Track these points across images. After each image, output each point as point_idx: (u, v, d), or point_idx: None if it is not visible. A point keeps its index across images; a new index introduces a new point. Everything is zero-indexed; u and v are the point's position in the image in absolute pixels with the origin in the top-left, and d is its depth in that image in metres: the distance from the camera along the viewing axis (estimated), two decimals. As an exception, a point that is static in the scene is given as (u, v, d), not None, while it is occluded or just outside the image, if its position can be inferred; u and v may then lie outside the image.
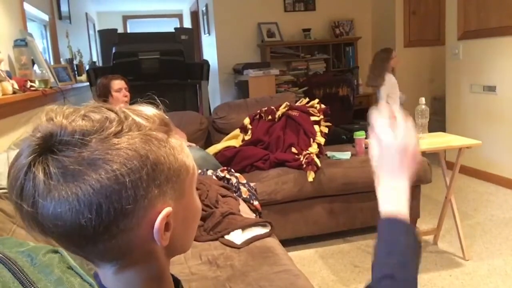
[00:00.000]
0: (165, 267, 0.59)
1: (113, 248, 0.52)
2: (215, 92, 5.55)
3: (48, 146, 0.49)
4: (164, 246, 0.55)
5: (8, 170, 0.51)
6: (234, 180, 2.59)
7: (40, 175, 0.48)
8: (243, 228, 1.97)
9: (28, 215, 0.50)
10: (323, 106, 3.09)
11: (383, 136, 0.70)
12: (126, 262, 0.54)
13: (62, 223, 0.48)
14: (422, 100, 2.49)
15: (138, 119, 0.53)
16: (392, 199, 0.68)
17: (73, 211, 0.48)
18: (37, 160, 0.49)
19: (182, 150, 0.56)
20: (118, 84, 2.94)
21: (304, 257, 2.65)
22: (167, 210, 0.53)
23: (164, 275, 0.60)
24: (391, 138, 0.69)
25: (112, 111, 0.52)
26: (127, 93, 2.94)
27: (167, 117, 0.57)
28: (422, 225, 3.00)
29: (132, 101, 0.61)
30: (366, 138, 2.91)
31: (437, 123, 4.34)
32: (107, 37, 4.44)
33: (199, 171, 2.61)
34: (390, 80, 3.92)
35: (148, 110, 0.55)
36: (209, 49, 5.86)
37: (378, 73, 3.91)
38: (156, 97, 0.59)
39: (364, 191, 2.72)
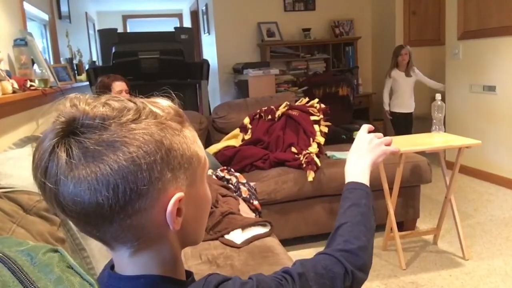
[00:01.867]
0: (178, 254, 0.62)
1: (128, 229, 0.54)
2: (215, 92, 5.55)
3: (71, 129, 0.52)
4: (176, 230, 0.58)
5: (33, 154, 0.54)
6: (234, 180, 2.59)
7: (63, 155, 0.51)
8: (243, 227, 1.97)
9: (51, 193, 0.53)
10: (322, 105, 3.08)
11: (360, 132, 0.93)
12: (141, 245, 0.57)
13: (81, 200, 0.51)
14: (439, 96, 2.58)
15: (154, 109, 0.56)
16: (357, 172, 0.87)
17: (91, 190, 0.51)
18: (61, 142, 0.52)
19: (195, 141, 0.60)
20: (119, 85, 2.93)
21: (304, 257, 2.64)
22: (179, 194, 0.56)
23: (177, 261, 0.62)
24: (364, 134, 0.92)
25: (131, 101, 0.56)
26: (127, 96, 2.93)
27: (181, 110, 0.61)
28: (422, 225, 3.00)
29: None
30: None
31: (437, 123, 4.35)
32: (107, 36, 4.43)
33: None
34: (394, 75, 4.30)
35: (164, 102, 0.60)
36: (209, 49, 5.86)
37: (390, 67, 4.35)
38: (171, 92, 0.63)
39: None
